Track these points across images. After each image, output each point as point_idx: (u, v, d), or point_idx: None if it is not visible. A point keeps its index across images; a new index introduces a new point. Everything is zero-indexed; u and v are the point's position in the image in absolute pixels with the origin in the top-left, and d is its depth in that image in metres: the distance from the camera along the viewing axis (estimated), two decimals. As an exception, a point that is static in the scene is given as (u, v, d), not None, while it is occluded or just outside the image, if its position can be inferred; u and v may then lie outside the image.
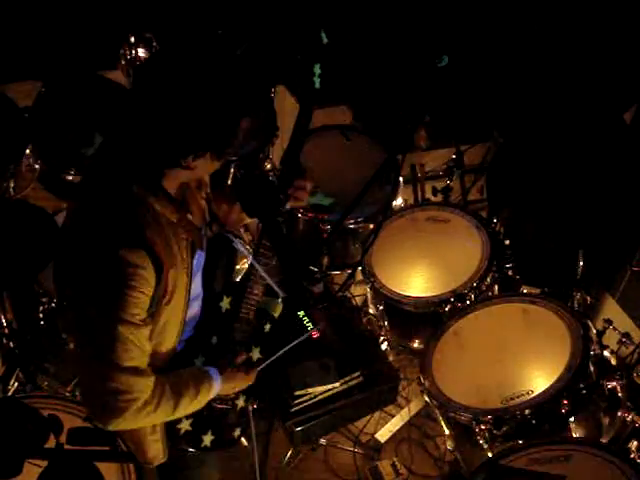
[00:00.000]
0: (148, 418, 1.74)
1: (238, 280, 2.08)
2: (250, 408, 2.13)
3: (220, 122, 1.62)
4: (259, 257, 2.00)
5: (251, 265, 2.02)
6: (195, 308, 1.93)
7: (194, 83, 1.58)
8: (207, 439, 2.04)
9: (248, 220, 2.15)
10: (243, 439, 2.21)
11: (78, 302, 1.66)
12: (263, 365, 2.10)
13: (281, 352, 2.11)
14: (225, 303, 1.99)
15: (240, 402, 2.11)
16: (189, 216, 1.81)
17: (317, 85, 1.79)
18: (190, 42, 1.64)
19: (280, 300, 2.10)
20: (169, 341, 1.85)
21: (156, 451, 1.97)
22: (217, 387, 1.91)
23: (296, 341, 2.11)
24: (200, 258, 1.88)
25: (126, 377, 1.66)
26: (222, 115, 1.61)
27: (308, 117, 1.87)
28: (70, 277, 1.68)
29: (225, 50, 1.64)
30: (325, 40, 1.76)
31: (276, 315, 2.10)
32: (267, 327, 2.11)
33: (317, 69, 1.77)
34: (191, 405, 1.85)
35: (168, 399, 1.77)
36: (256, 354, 2.10)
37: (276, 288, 2.01)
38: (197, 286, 1.90)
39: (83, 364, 1.70)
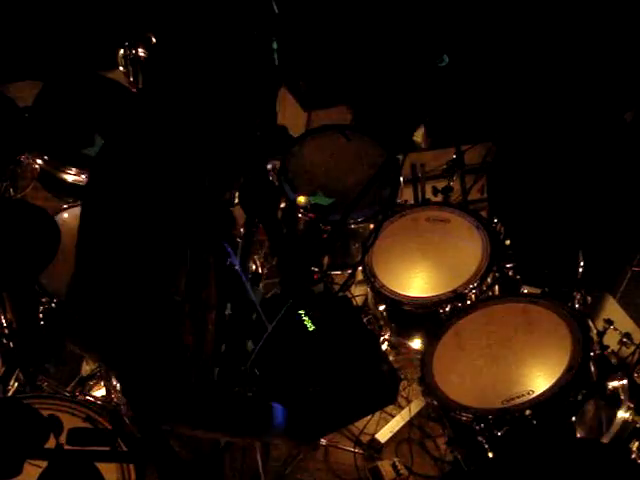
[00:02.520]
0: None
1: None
2: None
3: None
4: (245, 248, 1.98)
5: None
6: None
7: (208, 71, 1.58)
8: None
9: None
10: None
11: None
12: (254, 354, 2.06)
13: (266, 335, 2.07)
14: (228, 309, 1.98)
15: None
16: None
17: (276, 62, 1.75)
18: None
19: (260, 287, 2.06)
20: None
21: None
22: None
23: (276, 319, 2.06)
24: None
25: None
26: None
27: (274, 97, 1.82)
28: (108, 278, 1.64)
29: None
30: (276, 10, 1.71)
31: (257, 302, 2.08)
32: (253, 316, 2.09)
33: (274, 44, 1.73)
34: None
35: None
36: (250, 345, 2.08)
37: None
38: None
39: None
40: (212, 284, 1.77)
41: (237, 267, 1.94)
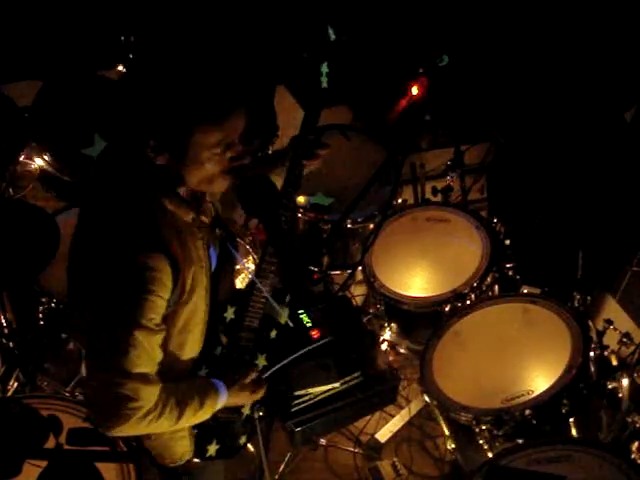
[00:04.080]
0: (151, 426, 1.72)
1: (242, 288, 2.06)
2: (256, 416, 2.12)
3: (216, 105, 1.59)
4: (263, 265, 1.98)
5: (252, 279, 2.00)
6: None
7: (191, 67, 1.58)
8: (212, 449, 2.04)
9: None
10: (249, 445, 2.19)
11: (95, 306, 1.64)
12: (269, 373, 2.08)
13: (287, 360, 2.09)
14: (229, 313, 1.97)
15: (246, 410, 2.10)
16: (202, 217, 1.80)
17: (325, 84, 1.77)
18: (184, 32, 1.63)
19: (286, 306, 2.08)
20: (191, 346, 1.84)
21: (184, 448, 1.98)
22: (222, 401, 1.90)
23: (303, 350, 2.09)
24: (212, 258, 1.87)
25: (134, 384, 1.64)
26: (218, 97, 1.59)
27: (315, 118, 1.86)
28: (87, 281, 1.67)
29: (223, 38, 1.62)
30: (333, 37, 1.74)
31: (282, 321, 2.09)
32: (273, 334, 2.10)
33: (325, 68, 1.75)
34: (195, 416, 1.83)
35: (172, 409, 1.75)
36: (262, 361, 2.08)
37: (275, 305, 1.99)
38: None
39: (93, 369, 1.69)
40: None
41: (258, 284, 1.95)
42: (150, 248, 1.61)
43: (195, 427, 1.97)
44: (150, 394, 1.68)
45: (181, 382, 1.83)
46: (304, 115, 1.89)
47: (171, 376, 1.78)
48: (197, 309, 1.79)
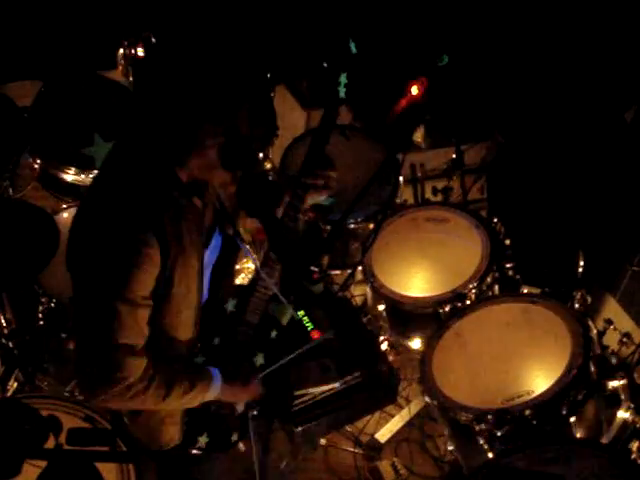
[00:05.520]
0: (135, 400, 1.75)
1: (245, 284, 2.07)
2: (250, 415, 2.12)
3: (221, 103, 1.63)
4: (264, 265, 1.99)
5: (257, 272, 2.00)
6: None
7: (196, 67, 1.62)
8: (202, 440, 2.05)
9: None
10: (241, 444, 2.20)
11: (83, 275, 1.69)
12: (266, 372, 2.09)
13: (285, 360, 2.10)
14: (230, 305, 1.98)
15: (240, 407, 2.10)
16: (195, 200, 1.81)
17: (342, 95, 1.80)
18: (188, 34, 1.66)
19: (289, 307, 2.08)
20: (185, 329, 1.86)
21: (172, 434, 1.99)
22: (215, 390, 1.91)
23: (301, 349, 2.10)
24: (215, 247, 1.90)
25: (117, 354, 1.68)
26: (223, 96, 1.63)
27: (331, 124, 1.86)
28: (79, 251, 1.71)
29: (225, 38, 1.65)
30: (354, 50, 1.76)
31: (284, 322, 2.10)
32: (273, 333, 2.10)
33: (343, 79, 1.78)
34: (183, 399, 1.84)
35: (159, 387, 1.77)
36: (260, 359, 2.09)
37: (281, 297, 1.99)
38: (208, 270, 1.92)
39: (80, 335, 1.72)
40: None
41: (264, 275, 1.95)
42: (143, 226, 1.65)
43: (187, 416, 1.98)
44: (135, 367, 1.71)
45: (176, 364, 1.85)
46: (320, 123, 1.90)
47: (166, 360, 1.81)
48: (188, 293, 1.81)
